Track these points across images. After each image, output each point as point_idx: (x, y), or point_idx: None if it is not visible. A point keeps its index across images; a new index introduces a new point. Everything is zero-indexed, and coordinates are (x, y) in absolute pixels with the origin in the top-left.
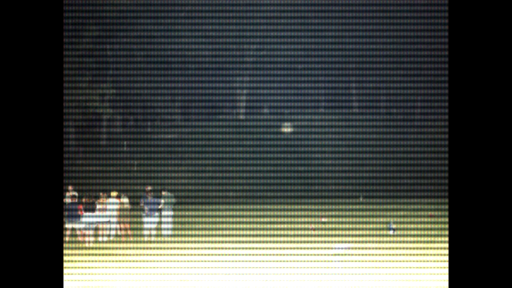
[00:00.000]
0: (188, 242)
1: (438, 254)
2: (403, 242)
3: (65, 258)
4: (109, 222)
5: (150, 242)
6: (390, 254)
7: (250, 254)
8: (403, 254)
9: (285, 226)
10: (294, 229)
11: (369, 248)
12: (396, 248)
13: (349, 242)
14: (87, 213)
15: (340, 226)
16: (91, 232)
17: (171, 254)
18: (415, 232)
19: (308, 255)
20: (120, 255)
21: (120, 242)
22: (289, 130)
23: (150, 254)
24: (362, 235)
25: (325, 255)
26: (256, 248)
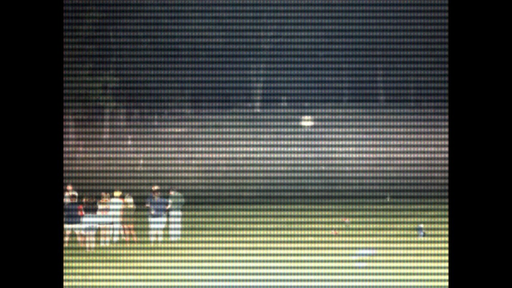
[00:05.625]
0: (198, 242)
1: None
2: (434, 241)
3: (64, 263)
4: (112, 224)
5: (157, 245)
6: (419, 254)
7: (266, 254)
8: (433, 254)
9: (305, 226)
10: (314, 229)
11: (397, 248)
12: (425, 248)
13: (374, 247)
14: (88, 214)
15: (366, 226)
16: (92, 234)
17: (179, 255)
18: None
19: (329, 254)
20: (123, 256)
21: (124, 244)
22: (309, 124)
23: (157, 255)
24: (390, 235)
25: (348, 255)
26: (273, 248)
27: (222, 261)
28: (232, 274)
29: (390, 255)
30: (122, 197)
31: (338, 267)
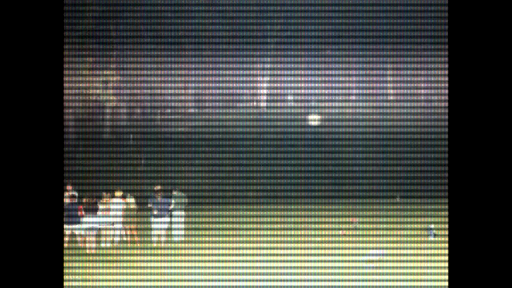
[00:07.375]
0: (201, 243)
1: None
2: (444, 242)
3: (64, 265)
4: (113, 224)
5: (159, 246)
6: (428, 255)
7: (271, 254)
8: (443, 254)
9: (312, 226)
10: (322, 229)
11: (407, 249)
12: (436, 249)
13: (383, 248)
14: (88, 215)
15: (375, 226)
16: (92, 234)
17: (182, 255)
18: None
19: (338, 255)
20: (125, 257)
21: (125, 245)
22: (316, 121)
23: (159, 255)
24: (399, 236)
25: (356, 255)
26: (279, 249)
27: (226, 261)
28: (236, 274)
29: (399, 255)
30: (123, 197)
31: (347, 268)
